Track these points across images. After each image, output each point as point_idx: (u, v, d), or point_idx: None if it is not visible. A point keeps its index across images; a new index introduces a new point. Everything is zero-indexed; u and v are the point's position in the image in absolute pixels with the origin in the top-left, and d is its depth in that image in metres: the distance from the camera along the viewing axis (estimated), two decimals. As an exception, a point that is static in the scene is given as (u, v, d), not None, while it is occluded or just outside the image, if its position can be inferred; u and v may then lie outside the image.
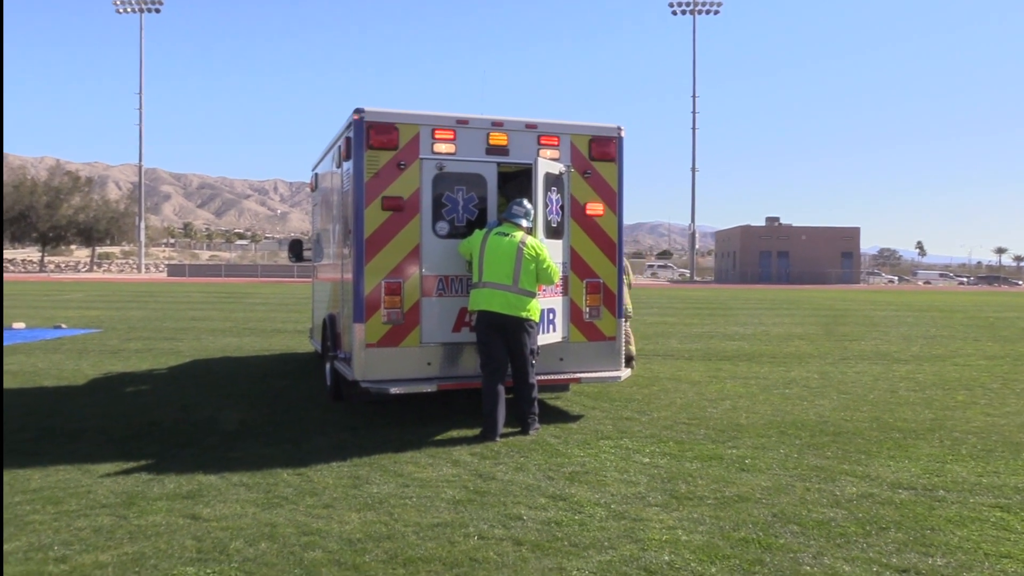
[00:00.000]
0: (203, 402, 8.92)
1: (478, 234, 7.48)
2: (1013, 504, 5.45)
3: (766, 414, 8.54)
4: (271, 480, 5.80)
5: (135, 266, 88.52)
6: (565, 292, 8.10)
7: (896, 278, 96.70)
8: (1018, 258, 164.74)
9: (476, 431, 7.32)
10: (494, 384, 7.23)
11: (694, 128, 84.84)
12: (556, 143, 8.06)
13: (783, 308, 29.79)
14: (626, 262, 8.94)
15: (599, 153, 8.20)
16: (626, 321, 8.97)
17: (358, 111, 7.53)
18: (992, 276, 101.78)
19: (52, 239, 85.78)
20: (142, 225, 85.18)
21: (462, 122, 7.79)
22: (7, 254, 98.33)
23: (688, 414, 8.46)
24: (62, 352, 13.36)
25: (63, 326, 17.97)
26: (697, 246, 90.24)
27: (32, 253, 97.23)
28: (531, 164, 7.69)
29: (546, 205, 7.74)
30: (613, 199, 8.29)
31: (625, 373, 8.42)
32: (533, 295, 7.31)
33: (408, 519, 4.98)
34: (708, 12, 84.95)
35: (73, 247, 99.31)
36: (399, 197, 7.55)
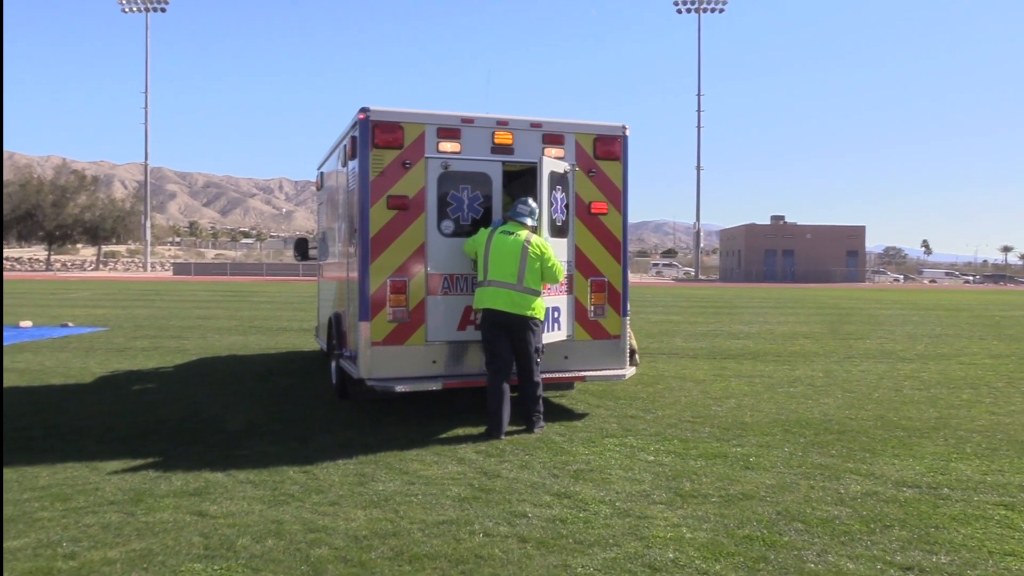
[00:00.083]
0: (209, 400, 8.96)
1: (483, 233, 7.50)
2: (1017, 502, 5.46)
3: (771, 412, 8.55)
4: (277, 478, 5.83)
5: (141, 265, 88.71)
6: (570, 290, 8.12)
7: (901, 277, 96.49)
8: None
9: (481, 429, 7.35)
10: (499, 382, 7.26)
11: (699, 126, 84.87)
12: (561, 142, 8.08)
13: (788, 307, 29.76)
14: None
15: (604, 152, 8.22)
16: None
17: (363, 110, 7.56)
18: (998, 275, 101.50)
19: (58, 238, 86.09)
20: (148, 224, 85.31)
21: (467, 121, 7.81)
22: (14, 253, 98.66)
23: (693, 412, 8.48)
24: (69, 350, 13.42)
25: (70, 324, 18.04)
26: (702, 244, 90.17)
27: (39, 252, 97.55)
28: (536, 163, 7.70)
29: (551, 204, 7.76)
30: (618, 198, 8.30)
31: (630, 371, 8.43)
32: (538, 293, 7.33)
33: (414, 516, 5.01)
34: (713, 10, 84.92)
35: (79, 246, 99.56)
36: (404, 196, 7.58)
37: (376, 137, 7.50)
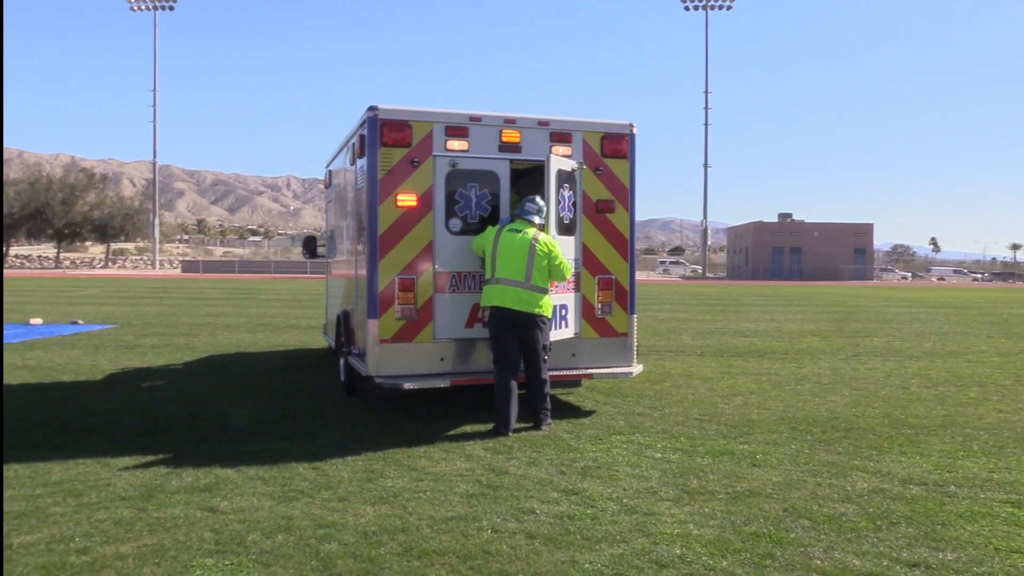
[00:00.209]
0: (219, 397, 9.02)
1: (491, 231, 7.53)
2: (1024, 500, 5.47)
3: (777, 410, 8.56)
4: (287, 474, 5.87)
5: (149, 262, 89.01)
6: (577, 288, 8.14)
7: (909, 274, 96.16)
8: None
9: (489, 426, 7.38)
10: (507, 380, 7.29)
11: (706, 124, 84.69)
12: (568, 140, 8.10)
13: (795, 304, 29.72)
14: None
15: (611, 150, 8.24)
16: None
17: (372, 108, 7.59)
18: (1007, 272, 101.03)
19: (68, 235, 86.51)
20: (156, 221, 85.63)
21: (475, 119, 7.84)
22: (24, 250, 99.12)
23: (700, 410, 8.50)
24: (79, 347, 13.51)
25: (80, 322, 18.14)
26: (709, 242, 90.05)
27: (48, 249, 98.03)
28: (543, 161, 7.73)
29: (558, 202, 7.78)
30: (625, 196, 8.32)
31: (637, 369, 8.45)
32: (545, 291, 7.36)
33: (422, 512, 5.05)
34: (721, 7, 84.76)
35: (88, 243, 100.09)
36: (412, 194, 7.61)
37: (384, 135, 7.53)
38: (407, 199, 7.59)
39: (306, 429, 7.38)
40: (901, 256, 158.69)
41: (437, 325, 7.74)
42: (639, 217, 8.59)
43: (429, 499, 5.32)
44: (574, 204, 8.08)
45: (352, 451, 6.54)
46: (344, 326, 9.21)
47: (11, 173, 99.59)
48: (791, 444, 7.00)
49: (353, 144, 8.45)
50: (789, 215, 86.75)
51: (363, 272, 7.86)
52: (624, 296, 8.35)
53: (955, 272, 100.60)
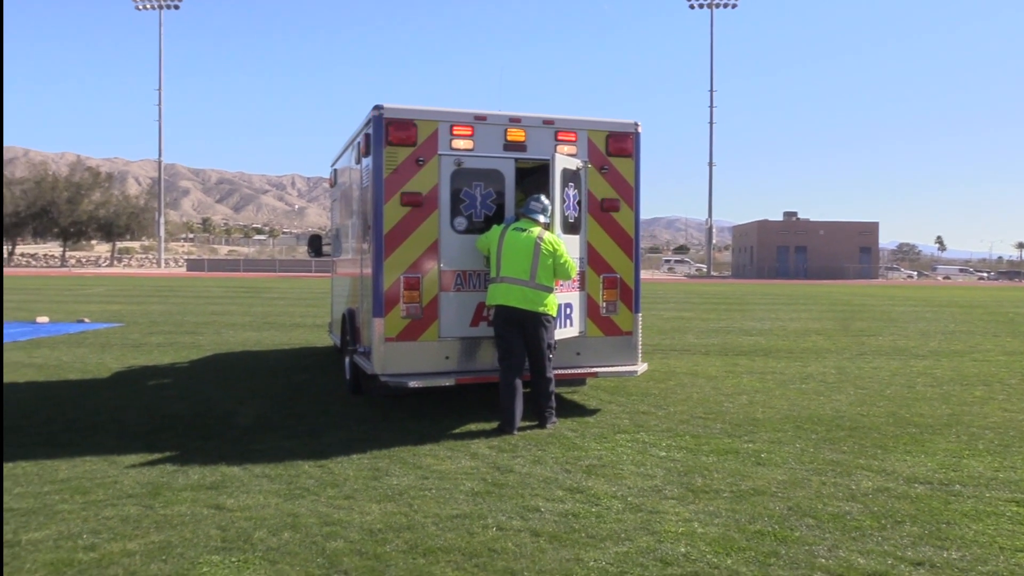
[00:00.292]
0: (224, 395, 9.04)
1: (496, 229, 7.54)
2: (1029, 499, 5.47)
3: (782, 409, 8.56)
4: (293, 472, 5.89)
5: (155, 261, 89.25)
6: (582, 287, 8.15)
7: (915, 273, 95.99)
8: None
9: (494, 425, 7.40)
10: (512, 378, 7.30)
11: (711, 122, 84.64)
12: (573, 139, 8.11)
13: (800, 303, 29.69)
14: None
15: (616, 149, 8.25)
16: None
17: (377, 108, 7.61)
18: (1013, 271, 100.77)
19: (73, 234, 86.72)
20: (161, 220, 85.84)
21: (480, 118, 7.85)
22: (30, 249, 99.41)
23: (704, 408, 8.50)
24: (86, 346, 13.56)
25: (86, 320, 18.20)
26: (714, 241, 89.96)
27: (54, 248, 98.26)
28: (548, 160, 7.74)
29: (563, 201, 7.79)
30: (630, 194, 8.33)
31: (642, 367, 8.46)
32: (550, 290, 7.37)
33: (427, 510, 5.06)
34: (726, 6, 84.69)
35: (94, 242, 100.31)
36: (418, 193, 7.63)
37: (390, 134, 7.55)
38: (412, 198, 7.61)
39: (312, 427, 7.40)
40: (907, 255, 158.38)
41: (442, 324, 7.75)
42: (644, 216, 8.61)
43: (434, 497, 5.34)
44: (579, 203, 8.09)
45: (358, 449, 6.56)
46: (349, 325, 9.24)
47: (17, 172, 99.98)
48: (796, 443, 7.00)
49: (358, 143, 8.47)
50: (794, 214, 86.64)
51: (368, 271, 7.88)
52: (629, 295, 8.36)
53: (961, 271, 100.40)
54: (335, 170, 11.27)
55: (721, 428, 7.56)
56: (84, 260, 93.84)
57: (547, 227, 7.55)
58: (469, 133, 7.79)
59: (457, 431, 7.28)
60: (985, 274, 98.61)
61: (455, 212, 7.81)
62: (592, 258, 8.21)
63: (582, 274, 8.13)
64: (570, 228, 7.94)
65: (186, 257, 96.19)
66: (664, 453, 6.58)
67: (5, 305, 23.04)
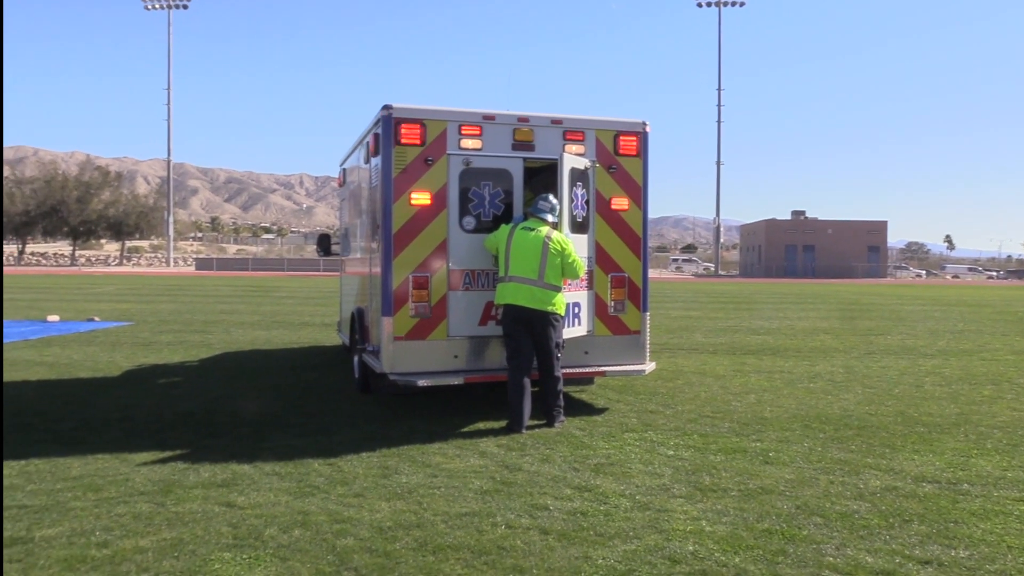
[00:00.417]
0: (234, 394, 9.10)
1: (504, 229, 7.56)
2: (1038, 498, 5.47)
3: (790, 408, 8.57)
4: (303, 470, 5.93)
5: (164, 260, 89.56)
6: (590, 286, 8.17)
7: (924, 272, 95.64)
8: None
9: (502, 423, 7.43)
10: (520, 377, 7.33)
11: (719, 121, 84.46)
12: (581, 138, 8.13)
13: (808, 302, 29.63)
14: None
15: (624, 148, 8.26)
16: None
17: (386, 107, 7.64)
18: (1022, 270, 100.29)
19: (83, 233, 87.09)
20: (170, 219, 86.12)
21: (488, 118, 7.87)
22: (39, 248, 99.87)
23: (712, 407, 8.51)
24: (96, 344, 13.64)
25: (96, 319, 18.29)
26: (722, 240, 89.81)
27: (63, 247, 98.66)
28: (557, 159, 7.76)
29: (571, 200, 7.81)
30: (638, 194, 8.35)
31: (650, 366, 8.47)
32: (559, 289, 7.39)
33: (437, 508, 5.09)
34: (733, 4, 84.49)
35: (103, 241, 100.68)
36: (426, 192, 7.65)
37: (399, 134, 7.58)
38: (421, 197, 7.64)
39: (321, 425, 7.44)
40: (915, 254, 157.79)
41: (451, 323, 7.78)
42: (651, 215, 8.61)
43: (443, 495, 5.37)
44: (587, 202, 8.11)
45: (367, 447, 6.60)
46: (358, 323, 9.27)
47: (27, 171, 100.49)
48: (804, 442, 7.01)
49: (367, 142, 8.51)
50: (802, 212, 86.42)
51: (377, 270, 7.92)
52: (637, 294, 8.38)
53: (970, 270, 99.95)
54: (344, 169, 11.31)
55: (729, 427, 7.58)
56: (94, 259, 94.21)
57: (555, 226, 7.57)
58: (478, 133, 7.82)
59: (466, 430, 7.31)
60: (994, 273, 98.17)
61: (464, 211, 7.84)
62: (600, 257, 8.23)
63: (590, 273, 8.15)
64: (578, 227, 7.96)
65: (195, 256, 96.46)
66: (672, 452, 6.60)
67: (16, 304, 23.18)
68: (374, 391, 8.79)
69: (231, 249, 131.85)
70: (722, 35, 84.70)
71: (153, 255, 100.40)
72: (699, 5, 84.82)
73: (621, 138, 8.25)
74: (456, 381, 7.68)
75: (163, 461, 6.14)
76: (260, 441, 6.82)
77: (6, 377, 10.00)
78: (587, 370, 8.23)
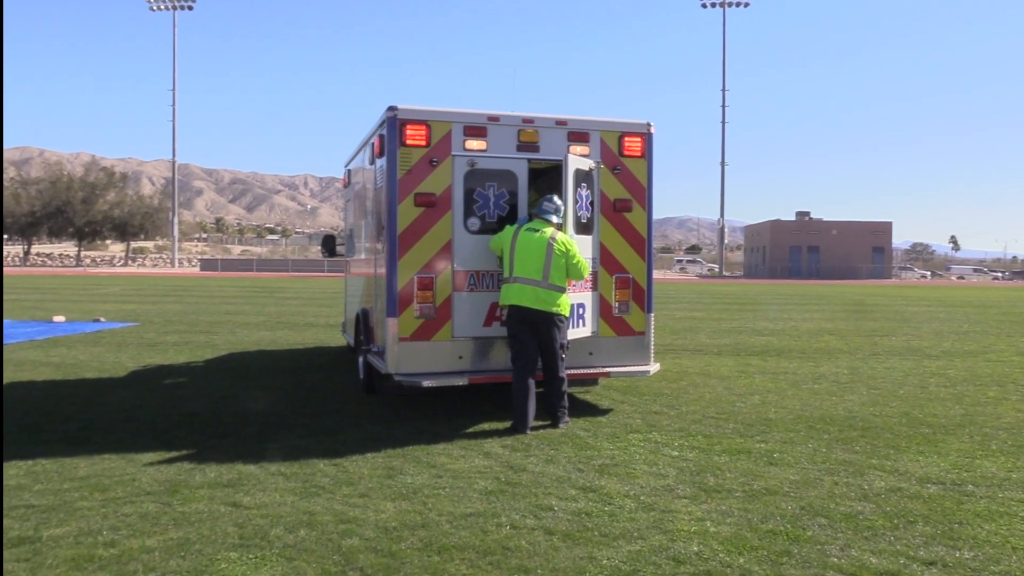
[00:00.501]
0: (239, 394, 9.12)
1: (509, 230, 7.58)
2: (1043, 499, 5.46)
3: (795, 409, 8.57)
4: (308, 470, 5.95)
5: (168, 261, 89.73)
6: (595, 287, 8.18)
7: (929, 273, 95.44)
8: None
9: (507, 424, 7.44)
10: (524, 378, 7.34)
11: (723, 122, 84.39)
12: (586, 139, 8.14)
13: (813, 303, 29.60)
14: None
15: (629, 149, 8.27)
16: None
17: (391, 109, 7.66)
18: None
19: (88, 234, 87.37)
20: (175, 220, 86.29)
21: (493, 119, 7.89)
22: (45, 248, 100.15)
23: (717, 408, 8.52)
24: (102, 345, 13.68)
25: (102, 319, 18.34)
26: (726, 241, 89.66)
27: (69, 248, 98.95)
28: (561, 160, 7.77)
29: (576, 201, 7.82)
30: (642, 195, 8.36)
31: (654, 367, 8.48)
32: (563, 290, 7.40)
33: (442, 508, 5.11)
34: (738, 5, 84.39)
35: (108, 242, 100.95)
36: (431, 193, 7.68)
37: (404, 135, 7.60)
38: (426, 198, 7.66)
39: (326, 426, 7.46)
40: (920, 254, 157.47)
41: (455, 323, 7.80)
42: (656, 215, 8.62)
43: (448, 495, 5.39)
44: (591, 203, 8.12)
45: (372, 448, 6.61)
46: (363, 324, 9.30)
47: (32, 172, 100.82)
48: (808, 443, 7.01)
49: (372, 143, 8.53)
50: (807, 213, 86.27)
51: (382, 271, 7.94)
52: (641, 295, 8.39)
53: (975, 271, 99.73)
54: (349, 170, 11.34)
55: (733, 428, 7.58)
56: (99, 260, 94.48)
57: (560, 227, 7.58)
58: (482, 134, 7.83)
59: (470, 430, 7.33)
60: (999, 274, 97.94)
61: (468, 212, 7.85)
62: (605, 258, 8.24)
63: (594, 274, 8.16)
64: (583, 228, 7.97)
65: (199, 257, 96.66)
66: (676, 453, 6.61)
67: (22, 304, 23.26)
68: (379, 392, 8.81)
69: (235, 250, 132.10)
70: (726, 36, 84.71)
71: (158, 256, 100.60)
72: (703, 6, 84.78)
73: (626, 139, 8.26)
74: (461, 382, 7.70)
75: (169, 461, 6.17)
76: (265, 441, 6.85)
77: (13, 377, 10.05)
78: (591, 371, 8.24)
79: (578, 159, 7.91)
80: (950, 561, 4.36)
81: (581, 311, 8.00)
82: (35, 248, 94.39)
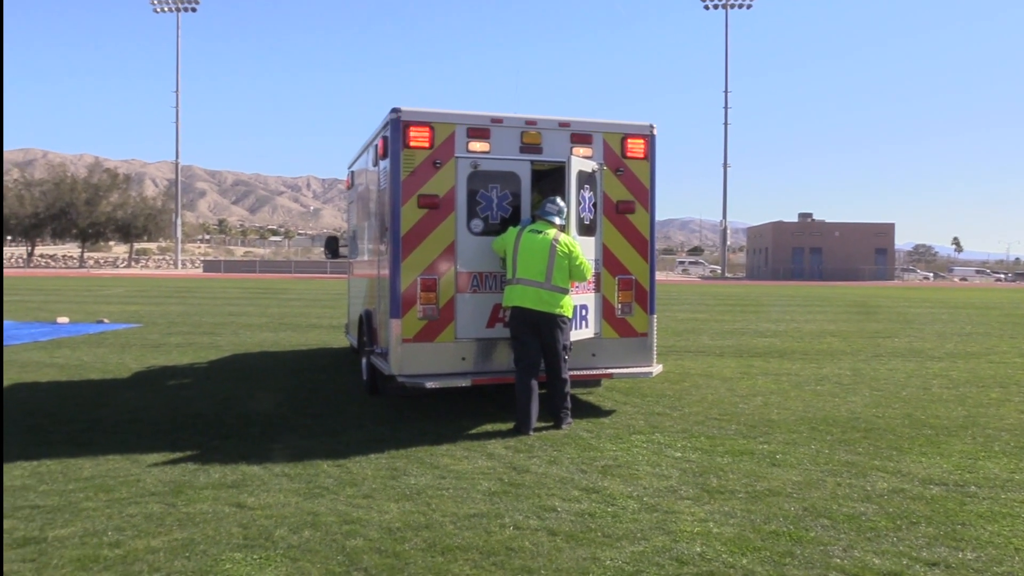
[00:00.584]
0: (243, 395, 9.14)
1: (512, 231, 7.60)
2: (1045, 501, 5.47)
3: (797, 410, 8.58)
4: (312, 471, 5.97)
5: (172, 262, 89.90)
6: (597, 288, 8.20)
7: (931, 274, 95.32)
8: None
9: (510, 425, 7.45)
10: (527, 379, 7.35)
11: (726, 123, 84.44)
12: (589, 141, 8.15)
13: (815, 305, 29.58)
14: None
15: (632, 151, 8.29)
16: None
17: (395, 110, 7.68)
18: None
19: (92, 235, 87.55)
20: (178, 221, 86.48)
21: (496, 121, 7.91)
22: (48, 250, 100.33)
23: (719, 410, 8.53)
24: (106, 346, 13.71)
25: (105, 321, 18.38)
26: (729, 242, 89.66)
27: (72, 249, 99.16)
28: (564, 162, 7.79)
29: (579, 203, 7.84)
30: (645, 196, 8.37)
31: (657, 369, 8.49)
32: (566, 291, 7.42)
33: (445, 509, 5.12)
34: (740, 6, 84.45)
35: (112, 243, 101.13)
36: (435, 195, 7.69)
37: (407, 137, 7.62)
38: (429, 200, 7.68)
39: (330, 427, 7.48)
40: (923, 256, 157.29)
41: (459, 325, 7.81)
42: (658, 217, 8.63)
43: (452, 496, 5.40)
44: (594, 205, 8.13)
45: (375, 449, 6.63)
46: (367, 326, 9.32)
47: (36, 173, 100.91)
48: (811, 444, 7.02)
49: (376, 145, 8.55)
50: (809, 215, 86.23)
51: (386, 272, 7.96)
52: (644, 296, 8.40)
53: (978, 272, 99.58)
54: (352, 172, 11.36)
55: (736, 429, 7.59)
56: (102, 261, 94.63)
57: (563, 229, 7.59)
58: (486, 136, 7.85)
59: (473, 431, 7.34)
60: (1002, 275, 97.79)
61: (472, 214, 7.87)
62: (607, 260, 8.25)
63: (597, 276, 8.17)
64: (586, 230, 7.99)
65: (202, 258, 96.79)
66: (679, 454, 6.62)
67: (26, 306, 23.31)
68: (382, 393, 8.82)
69: (238, 251, 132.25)
70: (729, 37, 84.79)
71: (161, 257, 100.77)
72: (706, 7, 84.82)
73: (628, 141, 8.28)
74: (464, 383, 7.71)
75: (174, 462, 6.19)
76: (269, 442, 6.86)
77: (17, 379, 10.08)
78: (594, 372, 8.26)
79: (581, 161, 7.93)
80: (953, 562, 4.37)
81: (584, 312, 8.01)
82: (39, 249, 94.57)
